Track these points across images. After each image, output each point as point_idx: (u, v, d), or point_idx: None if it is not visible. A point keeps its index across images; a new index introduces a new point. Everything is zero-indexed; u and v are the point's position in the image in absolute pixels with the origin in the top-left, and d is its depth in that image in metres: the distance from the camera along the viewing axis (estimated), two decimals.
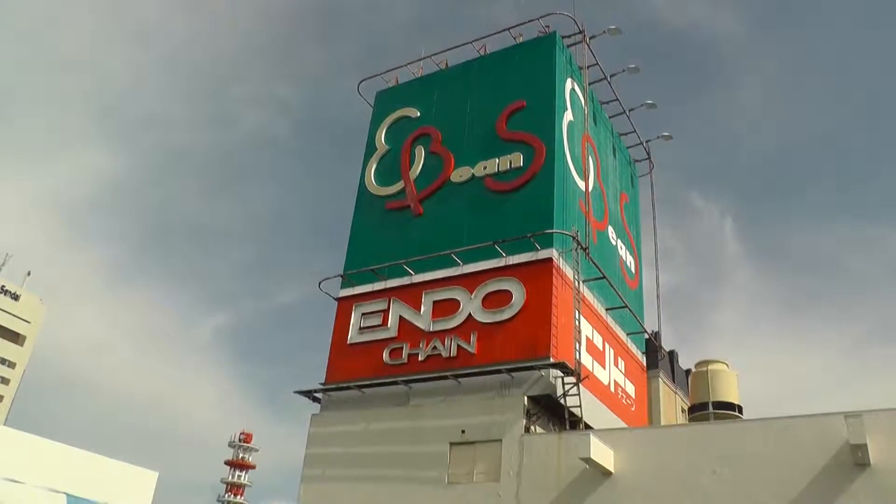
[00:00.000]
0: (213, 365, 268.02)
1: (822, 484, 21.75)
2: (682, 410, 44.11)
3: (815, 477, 21.90)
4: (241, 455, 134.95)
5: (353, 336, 33.33)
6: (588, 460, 24.07)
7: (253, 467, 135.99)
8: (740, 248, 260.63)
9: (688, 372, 44.99)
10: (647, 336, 39.21)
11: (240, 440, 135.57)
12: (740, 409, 39.33)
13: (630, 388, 35.30)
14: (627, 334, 36.41)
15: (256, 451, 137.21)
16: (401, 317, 32.23)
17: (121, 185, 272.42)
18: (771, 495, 22.24)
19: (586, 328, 30.86)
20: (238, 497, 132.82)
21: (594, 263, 32.01)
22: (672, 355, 46.30)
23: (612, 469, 24.77)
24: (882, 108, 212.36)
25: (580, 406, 27.89)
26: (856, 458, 21.24)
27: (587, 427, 27.69)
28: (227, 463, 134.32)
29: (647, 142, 43.64)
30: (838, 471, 21.65)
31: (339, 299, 34.80)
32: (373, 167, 37.49)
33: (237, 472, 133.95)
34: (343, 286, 34.99)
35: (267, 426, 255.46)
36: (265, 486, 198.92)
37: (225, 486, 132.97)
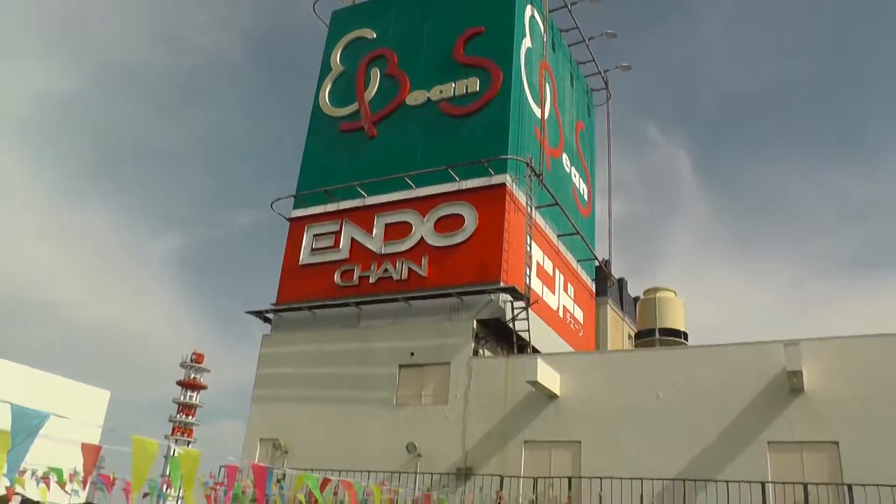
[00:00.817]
0: (165, 287, 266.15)
1: (759, 408, 22.47)
2: (629, 337, 44.97)
3: (753, 401, 22.60)
4: (192, 375, 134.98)
5: (304, 257, 33.20)
6: (535, 383, 24.46)
7: (204, 388, 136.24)
8: (694, 182, 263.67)
9: (636, 300, 45.70)
10: (597, 264, 39.66)
11: (191, 360, 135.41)
12: (686, 336, 40.15)
13: (579, 314, 35.82)
14: (578, 261, 36.77)
15: (208, 371, 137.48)
16: (353, 239, 32.12)
17: (69, 106, 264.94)
18: (711, 418, 22.91)
19: (537, 254, 31.09)
20: (189, 417, 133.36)
21: (547, 190, 32.05)
22: (621, 283, 46.95)
23: (558, 392, 25.25)
24: (849, 47, 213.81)
25: (528, 330, 28.25)
26: (791, 385, 21.91)
27: (535, 351, 28.08)
28: (178, 383, 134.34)
29: (605, 71, 43.46)
30: (774, 396, 22.36)
31: (291, 220, 34.53)
32: (327, 88, 36.79)
33: (189, 393, 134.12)
34: (295, 207, 34.69)
35: (219, 348, 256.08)
36: (217, 408, 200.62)
37: (177, 406, 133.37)
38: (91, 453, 10.07)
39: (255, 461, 25.11)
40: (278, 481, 24.60)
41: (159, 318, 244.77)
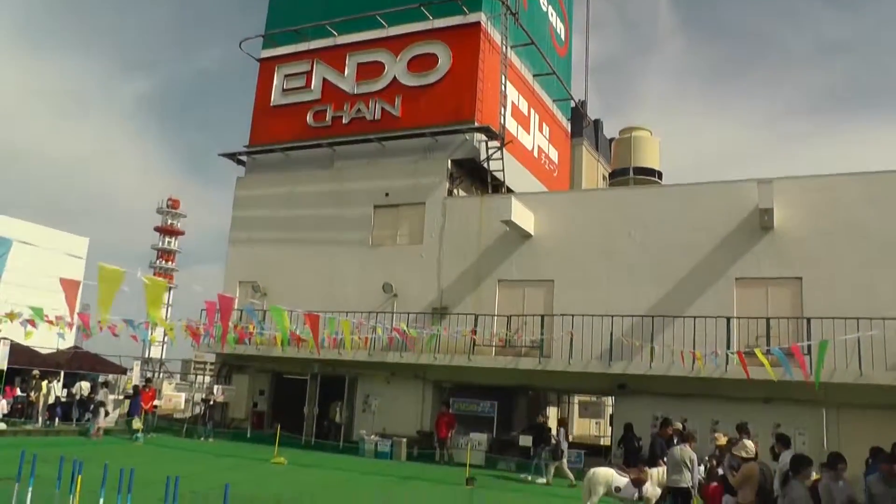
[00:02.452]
0: (136, 132, 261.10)
1: (729, 246, 22.88)
2: (604, 178, 45.06)
3: (724, 239, 22.98)
4: (169, 221, 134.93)
5: (276, 98, 32.55)
6: (509, 223, 24.63)
7: (182, 233, 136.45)
8: (674, 19, 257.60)
9: (611, 141, 45.55)
10: (573, 104, 39.22)
11: (167, 206, 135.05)
12: (660, 175, 40.34)
13: (553, 154, 35.70)
14: (553, 101, 36.30)
15: (185, 217, 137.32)
16: (324, 79, 31.40)
17: None
18: (682, 256, 23.34)
19: (512, 94, 30.61)
20: (169, 263, 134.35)
21: (523, 29, 31.18)
22: (597, 124, 46.61)
23: (532, 232, 25.47)
24: None
25: (503, 170, 28.20)
26: (762, 223, 22.22)
27: (509, 191, 28.14)
28: (156, 229, 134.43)
29: None
30: (745, 234, 22.74)
31: (260, 60, 33.63)
32: None
33: (167, 239, 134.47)
34: (265, 47, 33.71)
35: (194, 193, 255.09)
36: (196, 253, 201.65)
37: (156, 252, 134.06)
38: (71, 288, 10.08)
39: (235, 304, 25.40)
40: (258, 322, 25.08)
41: (133, 163, 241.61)
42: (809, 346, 17.58)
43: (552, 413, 33.67)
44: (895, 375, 19.20)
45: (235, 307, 23.52)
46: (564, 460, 20.37)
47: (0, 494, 10.10)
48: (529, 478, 20.51)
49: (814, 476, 10.91)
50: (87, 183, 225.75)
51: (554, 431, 20.66)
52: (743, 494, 11.47)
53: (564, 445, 20.57)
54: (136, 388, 28.43)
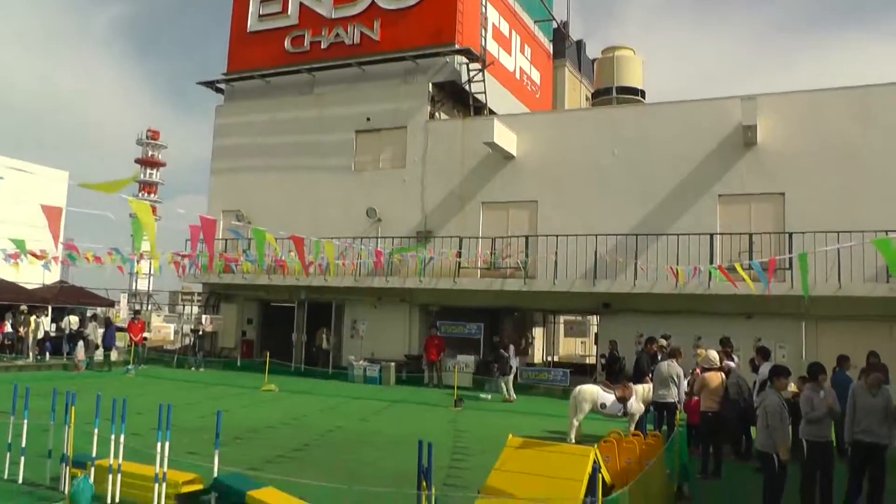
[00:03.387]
0: (112, 61, 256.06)
1: (712, 163, 22.91)
2: (587, 99, 44.63)
3: (707, 157, 22.99)
4: (150, 153, 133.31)
5: (252, 24, 31.89)
6: (492, 144, 24.53)
7: (163, 165, 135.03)
8: None
9: (594, 62, 44.98)
10: (555, 25, 38.62)
11: (147, 137, 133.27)
12: (643, 95, 39.98)
13: (536, 76, 35.33)
14: (535, 22, 35.72)
15: (165, 147, 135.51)
16: (301, 3, 30.72)
17: None
18: (666, 174, 23.37)
19: (493, 15, 30.10)
20: (152, 195, 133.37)
21: None
22: (579, 45, 45.93)
23: (514, 153, 25.39)
24: None
25: (484, 92, 27.93)
26: (745, 139, 22.22)
27: (491, 113, 27.90)
28: (137, 161, 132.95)
29: None
30: (728, 151, 22.75)
31: None
32: None
33: (148, 170, 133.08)
34: None
35: (174, 123, 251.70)
36: (178, 184, 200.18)
37: (137, 185, 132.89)
38: (53, 215, 9.99)
39: (219, 234, 25.35)
40: (244, 251, 25.10)
41: (109, 93, 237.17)
42: (790, 260, 17.81)
43: (538, 333, 34.20)
44: (873, 287, 19.54)
45: (219, 236, 23.48)
46: (511, 376, 21.03)
47: None
48: (490, 397, 21.14)
49: (791, 387, 11.21)
50: (62, 116, 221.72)
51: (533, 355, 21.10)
52: (704, 402, 11.88)
53: (514, 362, 21.39)
54: (107, 319, 28.28)
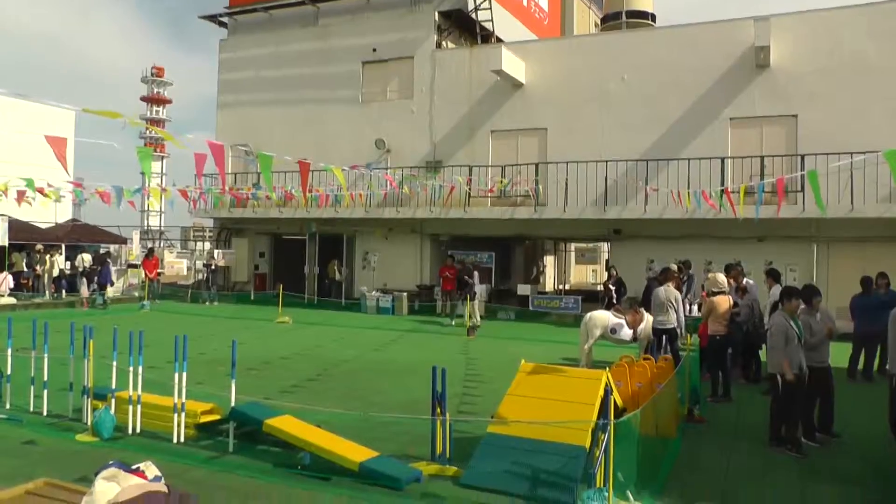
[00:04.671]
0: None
1: (723, 86, 22.60)
2: (596, 25, 43.89)
3: (718, 80, 22.67)
4: (155, 90, 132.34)
5: None
6: (499, 72, 24.24)
7: (169, 102, 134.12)
8: None
9: None
10: None
11: (152, 75, 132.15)
12: (653, 19, 39.29)
13: (543, 3, 34.64)
14: None
15: (171, 84, 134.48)
16: None
17: None
18: (676, 99, 23.09)
19: None
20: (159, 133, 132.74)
21: None
22: None
23: (523, 80, 25.10)
24: None
25: (491, 20, 27.48)
26: (758, 60, 21.86)
27: (499, 41, 27.48)
28: (143, 99, 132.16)
29: None
30: (740, 73, 22.40)
31: None
32: None
33: (154, 108, 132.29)
34: None
35: (178, 60, 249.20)
36: (186, 121, 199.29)
37: (145, 122, 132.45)
38: (58, 145, 9.92)
39: (228, 168, 25.33)
40: (254, 185, 25.12)
41: (110, 32, 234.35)
42: (802, 182, 17.70)
43: (549, 261, 34.31)
44: (886, 207, 19.40)
45: (228, 170, 23.46)
46: (476, 301, 21.48)
47: (18, 363, 10.42)
48: (454, 322, 21.61)
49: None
50: (65, 57, 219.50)
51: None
52: (711, 326, 11.94)
53: (478, 288, 21.86)
54: (102, 256, 28.26)
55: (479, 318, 21.30)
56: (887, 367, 9.07)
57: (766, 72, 22.07)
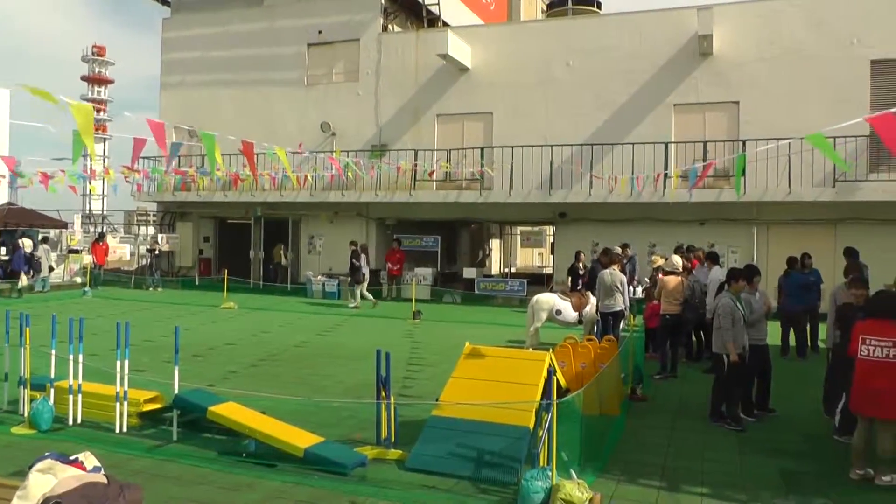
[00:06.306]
0: None
1: (668, 73, 22.98)
2: (542, 11, 43.99)
3: (663, 67, 23.04)
4: (97, 69, 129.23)
5: None
6: (446, 56, 24.23)
7: (111, 82, 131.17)
8: None
9: None
10: None
11: (93, 54, 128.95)
12: (599, 6, 39.52)
13: None
14: None
15: (113, 64, 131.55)
16: None
17: None
18: (621, 84, 23.40)
19: None
20: (101, 114, 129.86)
21: None
22: None
23: (469, 65, 25.13)
24: None
25: (438, 4, 27.46)
26: (701, 49, 22.27)
27: (445, 25, 27.43)
28: (83, 79, 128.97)
29: None
30: (683, 61, 22.83)
31: None
32: None
33: (96, 88, 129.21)
34: None
35: (119, 39, 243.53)
36: (128, 102, 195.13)
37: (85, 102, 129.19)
38: None
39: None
40: (198, 168, 24.75)
41: (48, 7, 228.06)
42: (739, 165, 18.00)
43: (495, 245, 34.50)
44: (820, 191, 20.01)
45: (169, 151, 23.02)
46: (364, 284, 21.99)
47: None
48: (351, 304, 21.94)
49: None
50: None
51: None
52: (663, 305, 12.22)
53: (365, 270, 22.16)
54: (14, 243, 26.63)
55: (359, 302, 21.72)
56: (824, 344, 9.47)
57: (709, 59, 22.49)
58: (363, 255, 22.08)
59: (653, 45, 23.16)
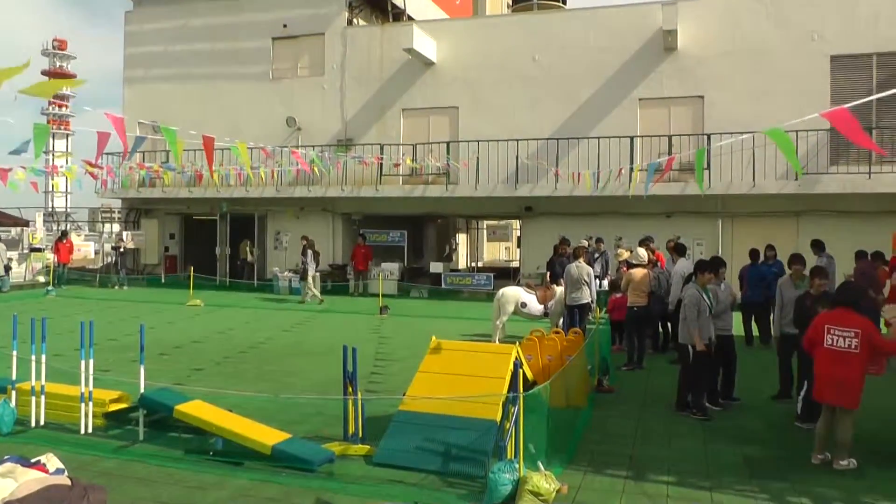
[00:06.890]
0: None
1: (633, 68, 23.14)
2: (508, 6, 44.03)
3: (628, 62, 23.19)
4: (58, 64, 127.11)
5: None
6: (411, 51, 24.18)
7: (73, 76, 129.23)
8: None
9: None
10: None
11: (54, 48, 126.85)
12: (564, 0, 39.61)
13: None
14: None
15: (75, 58, 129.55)
16: None
17: None
18: (587, 80, 23.50)
19: None
20: (63, 109, 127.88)
21: None
22: None
23: (434, 59, 25.11)
24: None
25: None
26: (666, 44, 22.46)
27: (410, 19, 27.37)
28: (43, 73, 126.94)
29: None
30: (648, 56, 23.01)
31: None
32: None
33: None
34: None
35: (81, 32, 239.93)
36: (91, 96, 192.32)
37: (46, 99, 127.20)
38: None
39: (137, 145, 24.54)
40: (162, 164, 24.45)
41: (9, 3, 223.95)
42: (708, 156, 18.24)
43: (462, 239, 34.55)
44: (783, 184, 20.31)
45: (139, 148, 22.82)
46: (309, 280, 22.20)
47: None
48: (302, 300, 22.30)
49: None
50: None
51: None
52: (630, 297, 12.39)
53: (311, 266, 22.33)
54: None
55: (307, 299, 22.04)
56: (774, 332, 9.96)
57: (674, 54, 22.68)
58: (309, 251, 22.20)
59: (618, 39, 23.30)
